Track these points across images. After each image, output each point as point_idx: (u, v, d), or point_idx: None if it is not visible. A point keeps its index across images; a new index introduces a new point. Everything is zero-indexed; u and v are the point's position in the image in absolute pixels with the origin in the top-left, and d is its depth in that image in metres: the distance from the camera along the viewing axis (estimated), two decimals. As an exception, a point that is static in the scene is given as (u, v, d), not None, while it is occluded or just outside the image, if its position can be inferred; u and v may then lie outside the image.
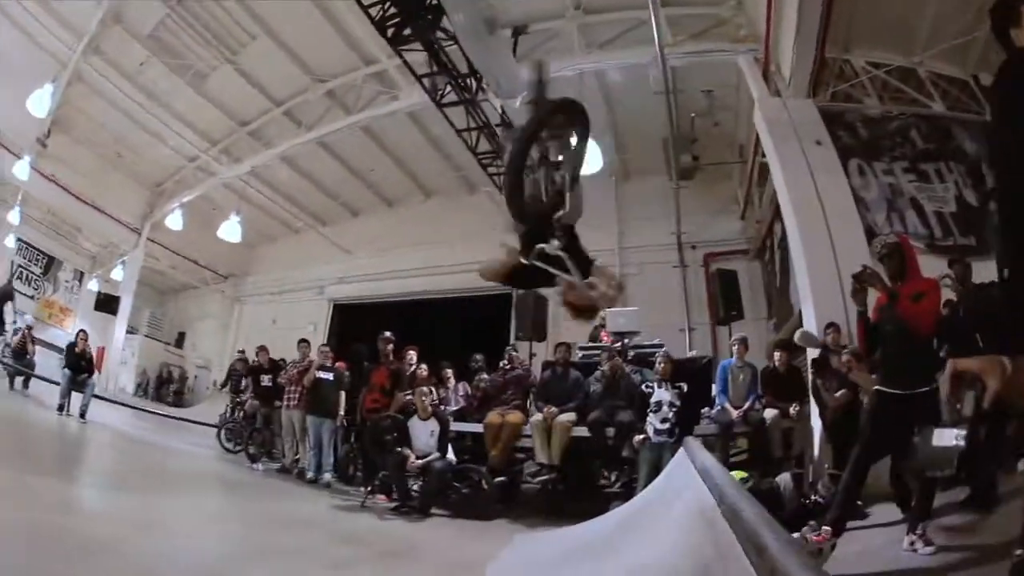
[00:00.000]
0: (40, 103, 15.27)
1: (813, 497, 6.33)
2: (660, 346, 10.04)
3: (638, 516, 4.96)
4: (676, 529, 3.67)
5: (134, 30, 14.92)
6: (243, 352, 16.16)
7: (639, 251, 15.08)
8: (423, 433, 8.42)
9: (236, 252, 22.39)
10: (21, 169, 18.70)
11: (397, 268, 19.49)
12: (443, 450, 8.37)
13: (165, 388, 28.03)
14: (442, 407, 9.60)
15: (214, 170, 18.77)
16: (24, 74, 16.38)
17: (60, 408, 11.17)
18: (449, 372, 10.62)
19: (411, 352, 10.58)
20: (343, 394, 10.25)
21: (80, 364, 11.80)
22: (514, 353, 10.42)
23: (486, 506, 8.15)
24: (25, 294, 27.74)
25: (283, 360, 12.20)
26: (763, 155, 10.34)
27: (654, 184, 14.52)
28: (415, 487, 8.35)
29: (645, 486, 7.05)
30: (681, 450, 6.02)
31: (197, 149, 18.63)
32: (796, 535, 4.11)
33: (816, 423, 7.43)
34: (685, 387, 8.13)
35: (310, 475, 9.99)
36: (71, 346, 12.16)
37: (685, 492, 4.00)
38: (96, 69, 15.97)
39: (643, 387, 8.50)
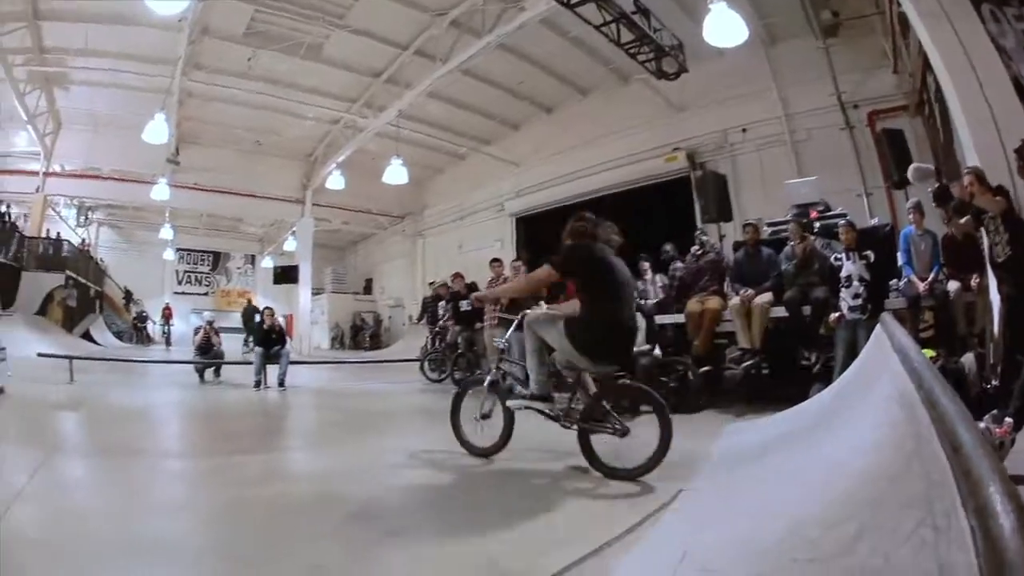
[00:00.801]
0: (156, 132, 16.20)
1: (993, 381, 6.22)
2: (844, 215, 9.84)
3: (839, 401, 5.13)
4: (876, 416, 3.69)
5: (227, 35, 15.85)
6: (433, 283, 17.17)
7: (805, 116, 14.85)
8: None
9: (407, 192, 23.11)
10: (159, 192, 20.70)
11: (568, 171, 20.00)
12: (650, 344, 8.56)
13: (361, 335, 30.17)
14: (642, 300, 9.77)
15: (361, 125, 19.58)
16: (130, 119, 18.26)
17: (257, 384, 11.77)
18: (646, 265, 10.58)
19: None
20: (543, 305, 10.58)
21: (270, 338, 12.21)
22: (704, 238, 10.27)
23: (695, 398, 8.25)
24: (198, 293, 30.75)
25: (474, 283, 12.86)
26: (899, 4, 9.73)
27: (803, 46, 14.21)
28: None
29: (843, 367, 7.23)
30: (878, 328, 5.95)
31: (337, 112, 19.57)
32: (981, 425, 4.07)
33: (995, 296, 6.94)
34: (872, 256, 8.02)
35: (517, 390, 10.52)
36: (259, 324, 12.82)
37: (883, 375, 4.00)
38: (203, 81, 17.13)
39: (833, 260, 8.51)
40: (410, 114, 18.52)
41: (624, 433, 5.02)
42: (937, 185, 6.59)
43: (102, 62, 16.64)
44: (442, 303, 15.12)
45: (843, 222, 8.65)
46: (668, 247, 10.98)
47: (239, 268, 34.96)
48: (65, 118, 21.26)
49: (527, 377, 7.50)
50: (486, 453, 5.64)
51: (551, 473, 5.26)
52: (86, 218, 28.49)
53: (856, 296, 7.80)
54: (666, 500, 4.16)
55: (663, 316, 9.70)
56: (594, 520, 3.96)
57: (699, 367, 8.65)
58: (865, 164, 13.85)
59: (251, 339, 13.36)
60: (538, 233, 20.86)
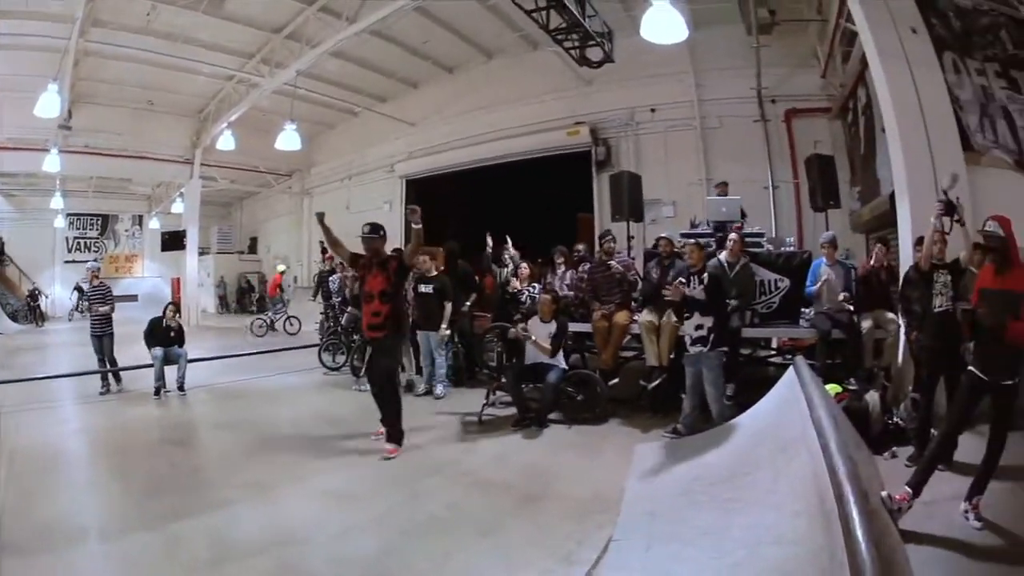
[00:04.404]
0: (49, 106, 15.67)
1: (895, 419, 6.95)
2: (761, 234, 10.24)
3: (753, 451, 5.62)
4: (789, 485, 4.30)
5: (128, -11, 15.04)
6: (325, 251, 17.07)
7: (718, 104, 15.46)
8: (542, 333, 8.74)
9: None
10: (51, 162, 20.27)
11: (465, 135, 20.11)
12: (557, 348, 8.73)
13: (247, 298, 30.53)
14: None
15: (255, 82, 19.09)
16: (20, 83, 17.81)
17: (157, 391, 11.15)
18: (561, 259, 10.81)
19: (509, 248, 11.22)
20: (448, 305, 10.50)
21: (170, 336, 11.61)
22: (612, 245, 10.06)
23: (603, 410, 8.64)
24: (87, 260, 30.19)
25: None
26: (847, 19, 10.34)
27: (729, 34, 14.58)
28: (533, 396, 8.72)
29: (691, 397, 7.75)
30: (792, 373, 6.29)
31: (231, 69, 19.17)
32: (883, 493, 4.65)
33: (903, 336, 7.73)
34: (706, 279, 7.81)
35: (421, 389, 10.72)
36: (157, 322, 11.71)
37: (799, 445, 4.51)
38: (102, 40, 16.56)
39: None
40: (306, 71, 18.12)
41: None
42: (947, 199, 6.50)
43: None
44: (333, 277, 14.87)
45: (691, 241, 8.55)
46: (581, 247, 11.28)
47: (127, 231, 34.19)
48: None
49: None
50: None
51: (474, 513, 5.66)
52: (-28, 193, 27.75)
53: (699, 327, 7.68)
54: (599, 553, 4.66)
55: (571, 324, 9.76)
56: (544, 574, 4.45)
57: (607, 380, 9.06)
58: (776, 158, 14.69)
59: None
60: (429, 197, 20.70)
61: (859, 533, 2.76)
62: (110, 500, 6.41)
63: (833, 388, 6.96)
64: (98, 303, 11.82)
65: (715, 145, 15.51)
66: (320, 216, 8.46)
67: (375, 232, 7.94)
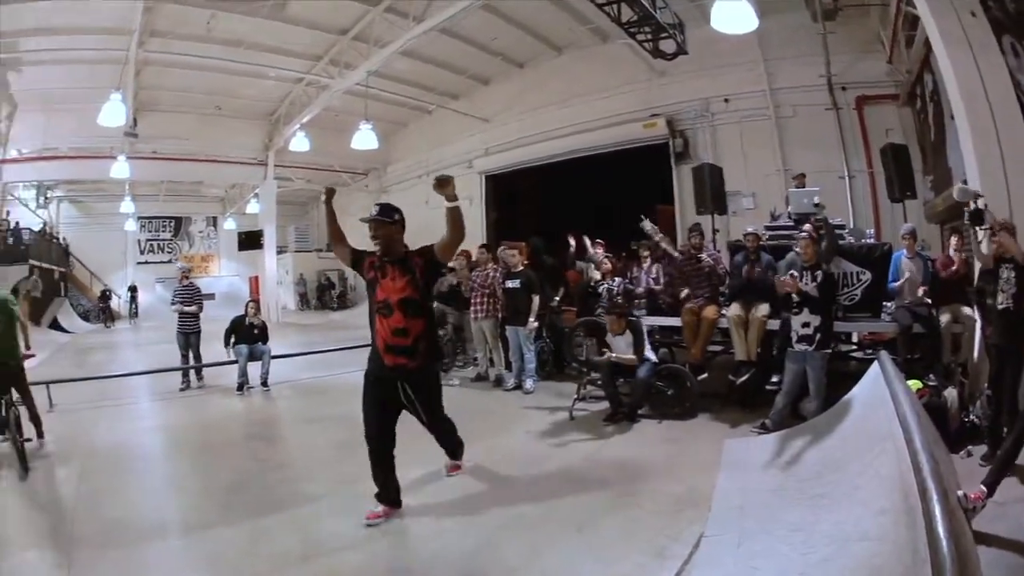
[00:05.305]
0: (113, 114, 16.04)
1: (971, 417, 6.99)
2: (842, 226, 10.06)
3: (841, 450, 5.68)
4: (875, 481, 4.37)
5: (186, -1, 15.42)
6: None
7: (790, 92, 15.56)
8: (621, 345, 8.87)
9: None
10: (119, 170, 20.96)
11: (540, 131, 20.36)
12: (641, 355, 8.75)
13: (327, 295, 31.00)
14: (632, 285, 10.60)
15: (325, 84, 19.47)
16: (85, 94, 18.29)
17: (240, 387, 11.57)
18: (646, 252, 10.96)
19: (590, 248, 11.36)
20: (536, 298, 10.61)
21: (253, 335, 11.96)
22: (700, 239, 10.07)
23: (692, 405, 8.74)
24: (161, 261, 31.87)
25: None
26: (908, 3, 10.34)
27: (795, 21, 14.66)
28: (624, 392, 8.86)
29: (788, 395, 7.78)
30: (877, 369, 6.30)
31: (299, 72, 19.60)
32: (960, 493, 4.59)
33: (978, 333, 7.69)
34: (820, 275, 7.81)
35: (511, 384, 10.96)
36: (240, 320, 12.02)
37: (886, 442, 4.54)
38: (160, 50, 16.99)
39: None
40: (376, 71, 18.36)
41: None
42: (975, 207, 6.55)
43: (55, 40, 16.47)
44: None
45: (803, 234, 8.33)
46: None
47: (201, 232, 35.71)
48: (19, 100, 21.13)
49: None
50: None
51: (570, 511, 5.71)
52: (45, 198, 29.16)
53: (805, 324, 7.66)
54: (691, 549, 4.78)
55: (654, 318, 10.18)
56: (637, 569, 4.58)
57: (697, 375, 9.10)
58: (849, 147, 14.72)
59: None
60: (508, 192, 21.96)
61: (941, 531, 2.81)
62: (194, 494, 6.62)
63: (914, 384, 6.92)
64: (187, 303, 12.36)
65: (790, 134, 15.61)
66: (330, 193, 6.55)
67: (386, 215, 5.74)
